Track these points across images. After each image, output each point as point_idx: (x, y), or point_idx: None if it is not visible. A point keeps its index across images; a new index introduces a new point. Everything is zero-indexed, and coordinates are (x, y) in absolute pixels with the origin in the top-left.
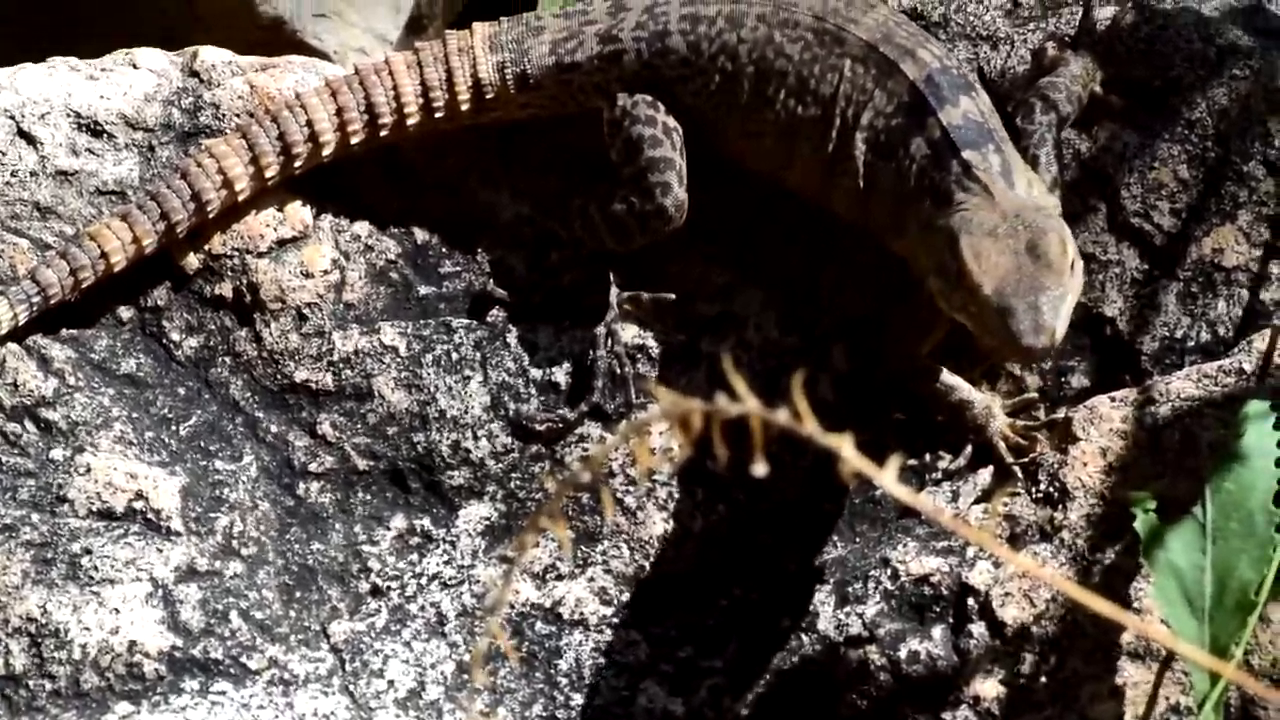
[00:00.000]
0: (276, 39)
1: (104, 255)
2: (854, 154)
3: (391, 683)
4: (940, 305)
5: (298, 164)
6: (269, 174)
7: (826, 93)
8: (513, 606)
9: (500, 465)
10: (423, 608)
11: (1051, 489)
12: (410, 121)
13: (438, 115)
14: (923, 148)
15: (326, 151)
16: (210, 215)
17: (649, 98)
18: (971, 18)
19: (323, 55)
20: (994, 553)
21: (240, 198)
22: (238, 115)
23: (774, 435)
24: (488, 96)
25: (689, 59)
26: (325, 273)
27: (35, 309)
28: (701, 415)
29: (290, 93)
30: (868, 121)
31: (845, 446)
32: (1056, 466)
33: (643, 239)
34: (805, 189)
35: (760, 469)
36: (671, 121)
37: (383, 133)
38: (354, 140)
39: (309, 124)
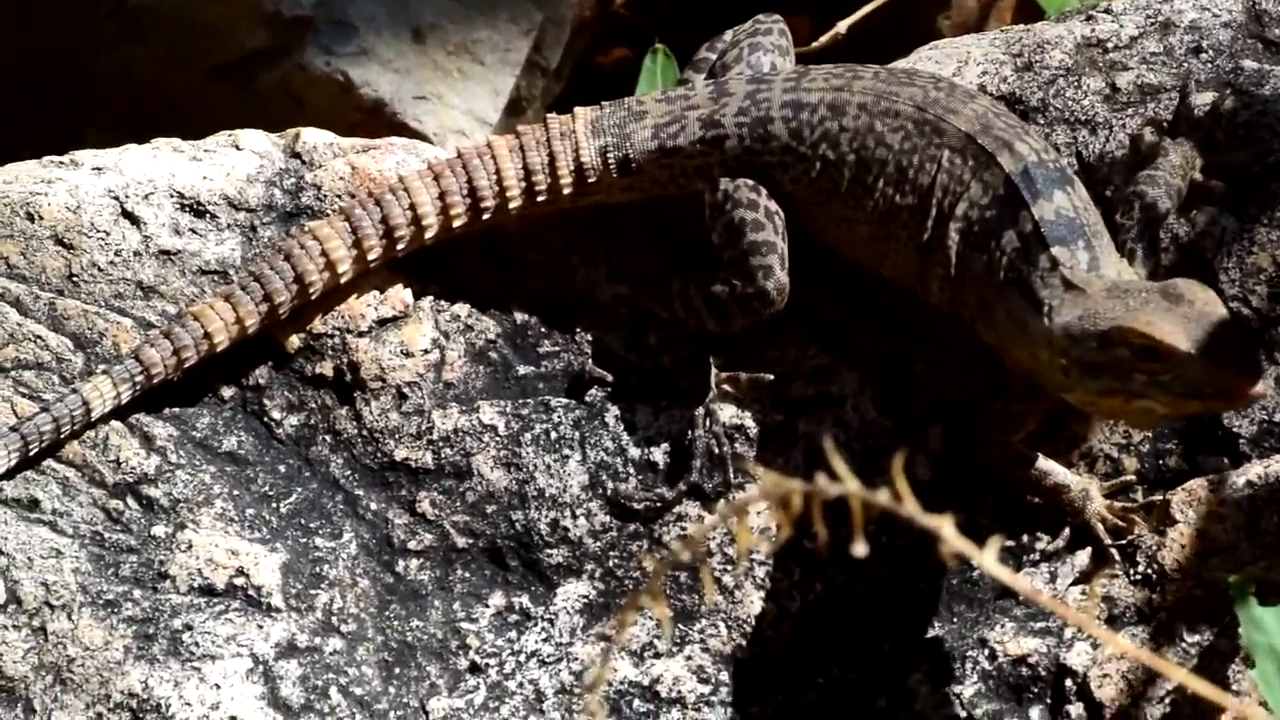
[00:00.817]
0: (376, 121)
1: (207, 335)
2: (948, 244)
3: None
4: (1074, 400)
5: (400, 246)
6: (371, 256)
7: (924, 182)
8: (610, 684)
9: (598, 544)
10: (521, 685)
11: (1149, 571)
12: (512, 205)
13: (540, 199)
14: (1014, 240)
15: (429, 235)
16: (312, 296)
17: (751, 181)
18: (1070, 102)
19: (422, 137)
20: (1092, 633)
21: (343, 279)
22: (339, 196)
23: (872, 515)
24: (590, 180)
25: (790, 145)
26: (425, 352)
27: (139, 388)
28: (802, 495)
29: (392, 175)
30: (963, 212)
31: (945, 527)
32: (1154, 549)
33: (743, 321)
34: (899, 277)
35: (860, 549)
36: (774, 205)
37: (485, 216)
38: (456, 224)
39: (412, 206)
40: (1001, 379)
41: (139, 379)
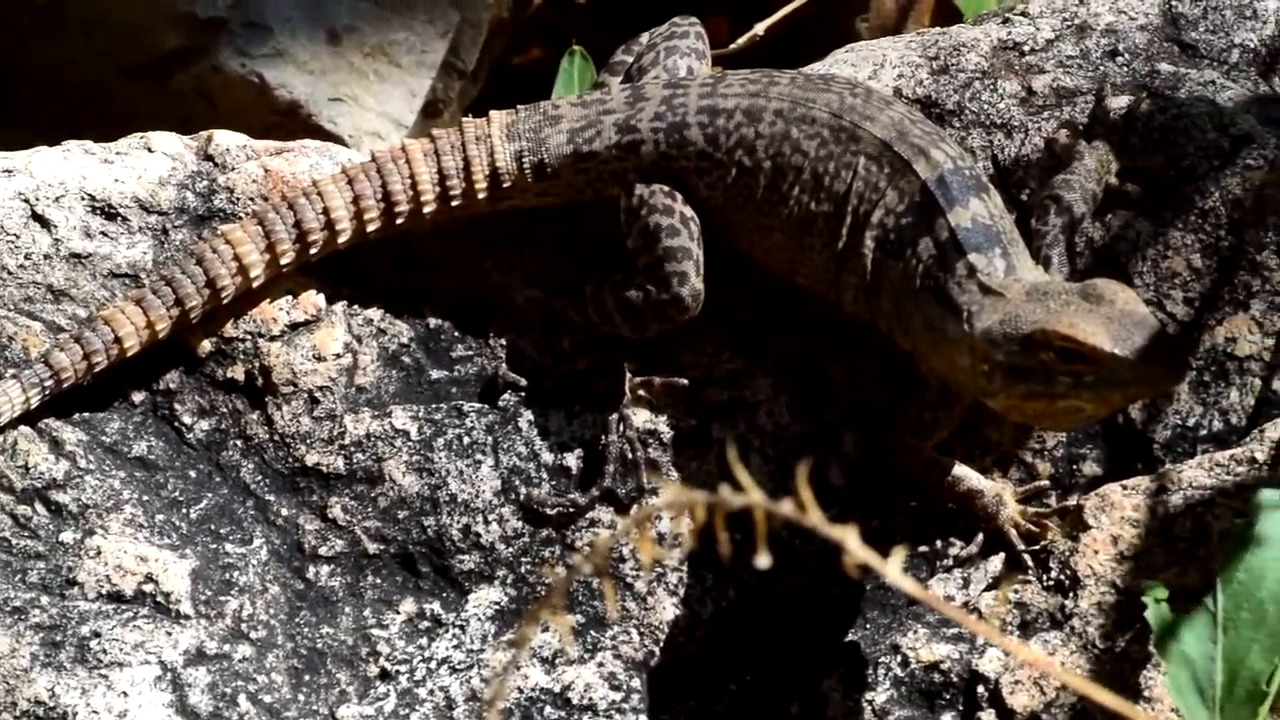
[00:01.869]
0: (292, 123)
1: (117, 339)
2: (863, 252)
3: None
4: (996, 405)
5: (313, 251)
6: (284, 261)
7: (840, 190)
8: (521, 691)
9: (511, 550)
10: (431, 692)
11: (1063, 577)
12: (427, 210)
13: (455, 203)
14: (930, 248)
15: (343, 239)
16: (224, 301)
17: (666, 187)
18: (986, 105)
19: (338, 139)
20: (999, 644)
21: (255, 284)
22: (252, 199)
23: (777, 525)
24: (505, 185)
25: (706, 151)
26: (337, 356)
27: (48, 392)
28: (705, 506)
29: (306, 177)
30: (878, 220)
31: (850, 538)
32: (1068, 554)
33: (658, 327)
34: (813, 285)
35: (763, 560)
36: (689, 211)
37: (399, 220)
38: (370, 228)
39: (325, 211)
40: (915, 385)
41: (48, 383)
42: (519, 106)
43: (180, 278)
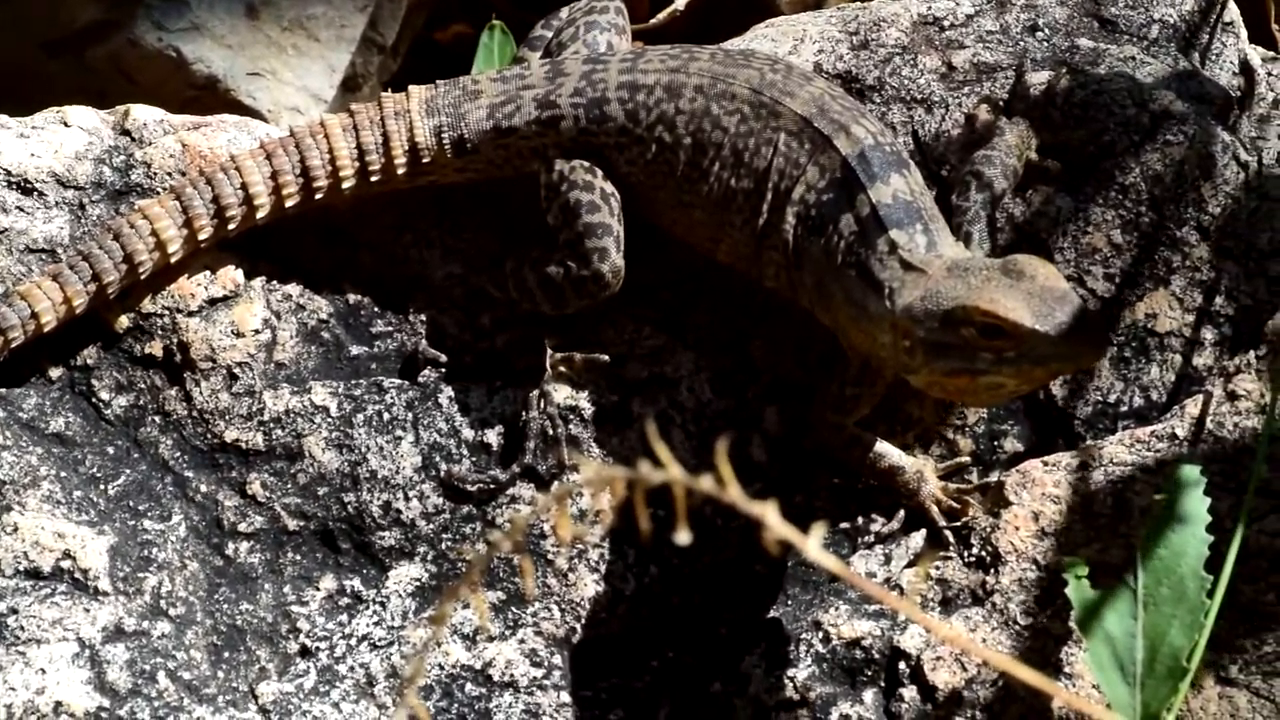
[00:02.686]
0: (210, 98)
1: (34, 315)
2: (784, 228)
3: None
4: (918, 382)
5: (232, 226)
6: (202, 236)
7: (760, 166)
8: (442, 668)
9: (431, 526)
10: (352, 669)
11: (984, 553)
12: (345, 185)
13: (374, 179)
14: (851, 224)
15: (261, 214)
16: (142, 276)
17: (587, 163)
18: (906, 81)
19: (256, 114)
20: (919, 621)
21: (173, 259)
22: (170, 174)
23: (696, 501)
24: (424, 161)
25: (626, 127)
26: (256, 332)
27: None
28: (625, 483)
29: (224, 152)
30: (799, 196)
31: (769, 514)
32: (989, 531)
33: (578, 303)
34: (734, 262)
35: (683, 537)
36: (609, 187)
37: (318, 196)
38: (289, 203)
39: (244, 186)
40: (837, 361)
41: None
42: (438, 82)
43: (98, 253)
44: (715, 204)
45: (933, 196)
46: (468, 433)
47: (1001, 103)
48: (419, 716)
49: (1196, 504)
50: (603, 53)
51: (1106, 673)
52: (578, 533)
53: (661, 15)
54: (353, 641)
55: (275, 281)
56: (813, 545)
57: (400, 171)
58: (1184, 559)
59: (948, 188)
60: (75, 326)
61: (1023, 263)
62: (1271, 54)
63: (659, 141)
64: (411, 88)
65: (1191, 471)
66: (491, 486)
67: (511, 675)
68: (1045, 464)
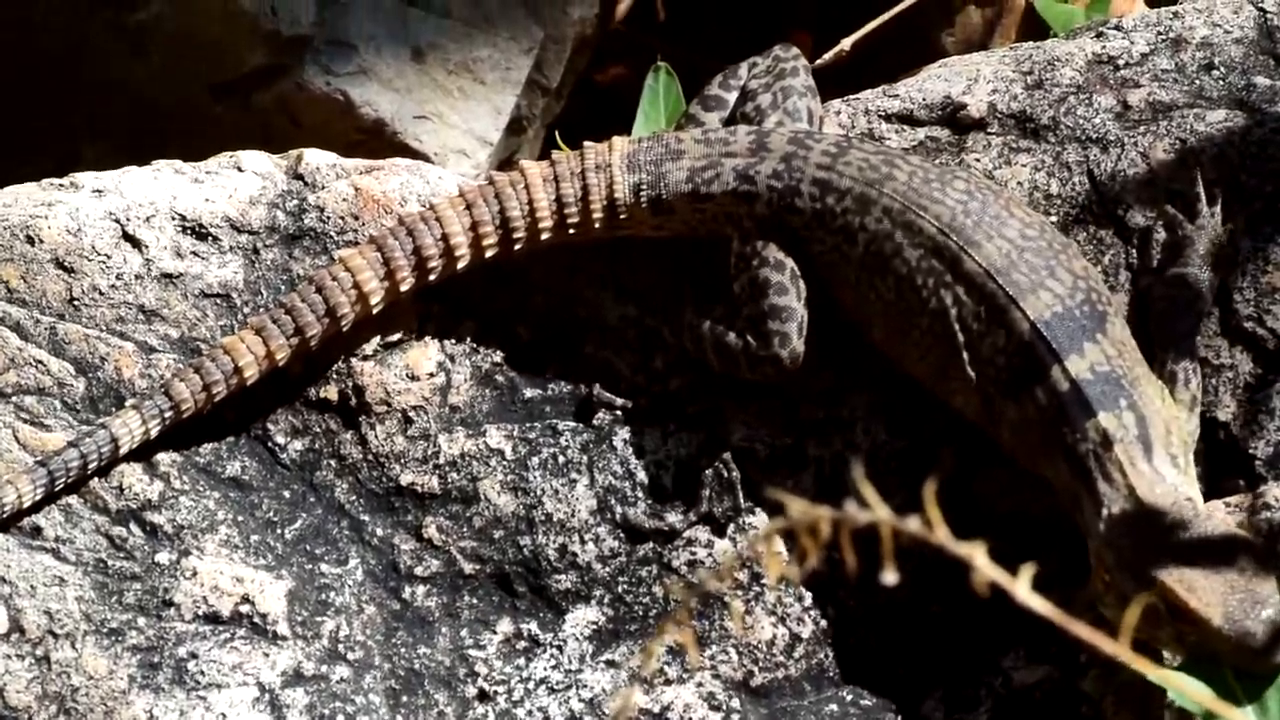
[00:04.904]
0: (377, 140)
1: (238, 369)
2: (970, 379)
3: None
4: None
5: (432, 277)
6: (404, 287)
7: (936, 308)
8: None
9: (607, 569)
10: (530, 713)
11: None
12: (544, 236)
13: (571, 230)
14: (1049, 398)
15: (461, 264)
16: (344, 328)
17: (778, 243)
18: (1081, 120)
19: (423, 157)
20: (1139, 667)
21: (374, 310)
22: (343, 218)
23: (902, 543)
24: (621, 216)
25: (811, 225)
26: (431, 375)
27: (167, 422)
28: (830, 523)
29: (396, 195)
30: (987, 355)
31: (978, 556)
32: None
33: (751, 377)
34: (918, 380)
35: (890, 578)
36: (798, 270)
37: (516, 246)
38: (489, 253)
39: (444, 237)
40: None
41: (168, 414)
42: (641, 138)
43: (300, 306)
44: (892, 329)
45: (1134, 347)
46: (642, 476)
47: (1179, 218)
48: None
49: None
50: (808, 131)
51: None
52: (785, 572)
53: (827, 56)
54: (530, 685)
55: (450, 323)
56: (1022, 588)
57: (597, 225)
58: None
59: (1126, 231)
60: None
61: (1241, 545)
62: None
63: (838, 249)
64: (615, 140)
65: None
66: (667, 529)
67: (689, 719)
68: (1226, 505)
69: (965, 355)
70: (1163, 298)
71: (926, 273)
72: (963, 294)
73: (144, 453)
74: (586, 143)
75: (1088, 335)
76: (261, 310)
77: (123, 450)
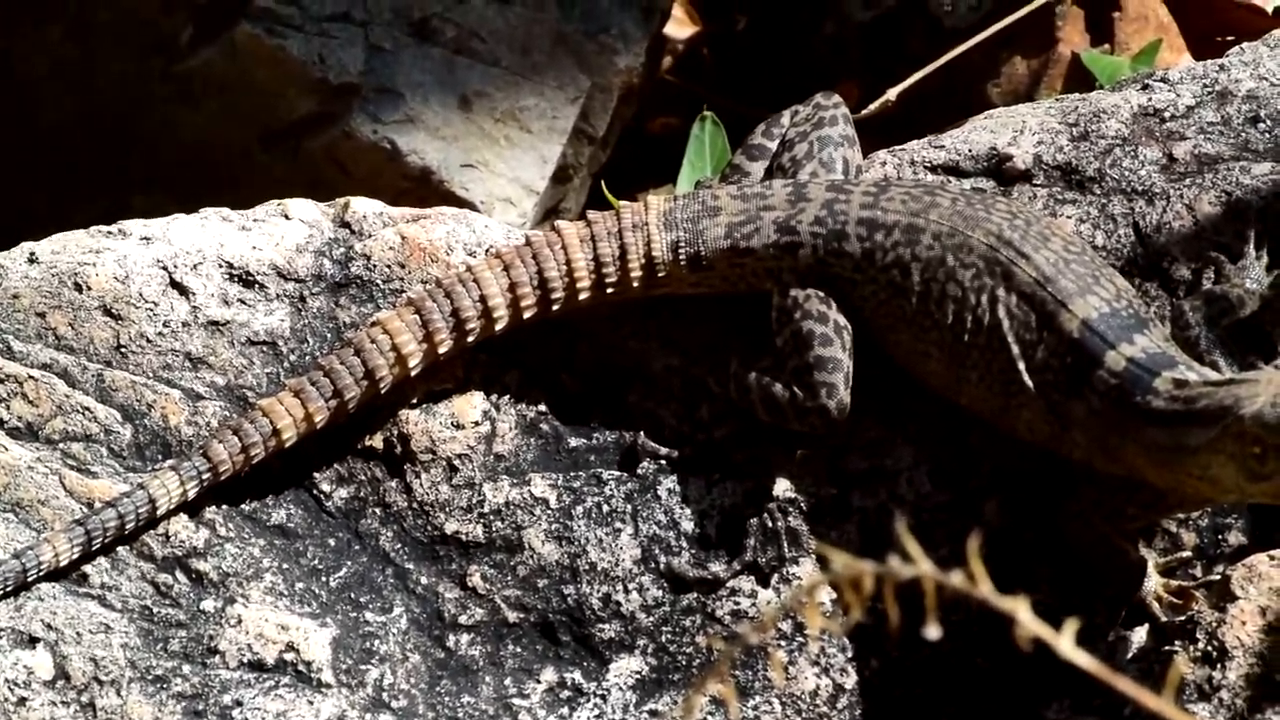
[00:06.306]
0: (424, 188)
1: (275, 431)
2: (1029, 390)
3: None
4: (1264, 491)
5: (470, 339)
6: (442, 350)
7: (991, 324)
8: None
9: (651, 619)
10: None
11: (1210, 648)
12: (582, 296)
13: (609, 290)
14: (1108, 379)
15: (499, 326)
16: (382, 390)
17: (822, 293)
18: (1127, 172)
19: (470, 205)
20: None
21: (413, 373)
22: (389, 266)
23: (945, 597)
24: (659, 274)
25: (861, 265)
26: (476, 424)
27: (205, 484)
28: (873, 577)
29: (442, 244)
30: (1042, 361)
31: (1021, 610)
32: (1214, 625)
33: (798, 428)
34: (979, 412)
35: (933, 632)
36: (843, 320)
37: (555, 307)
38: (527, 315)
39: (482, 298)
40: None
41: (206, 476)
42: (676, 195)
43: (339, 368)
44: (950, 356)
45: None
46: (687, 525)
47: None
48: None
49: None
50: (845, 178)
51: None
52: (828, 626)
53: (873, 106)
54: None
55: (494, 372)
56: (1066, 642)
57: (635, 284)
58: None
59: (1171, 283)
60: None
61: None
62: None
63: (892, 284)
64: (650, 199)
65: None
66: (711, 579)
67: None
68: (1272, 558)
69: (1021, 365)
70: (1195, 309)
71: (979, 290)
72: (1015, 305)
73: (187, 506)
74: (622, 202)
75: (1135, 329)
76: (300, 371)
77: (160, 511)
